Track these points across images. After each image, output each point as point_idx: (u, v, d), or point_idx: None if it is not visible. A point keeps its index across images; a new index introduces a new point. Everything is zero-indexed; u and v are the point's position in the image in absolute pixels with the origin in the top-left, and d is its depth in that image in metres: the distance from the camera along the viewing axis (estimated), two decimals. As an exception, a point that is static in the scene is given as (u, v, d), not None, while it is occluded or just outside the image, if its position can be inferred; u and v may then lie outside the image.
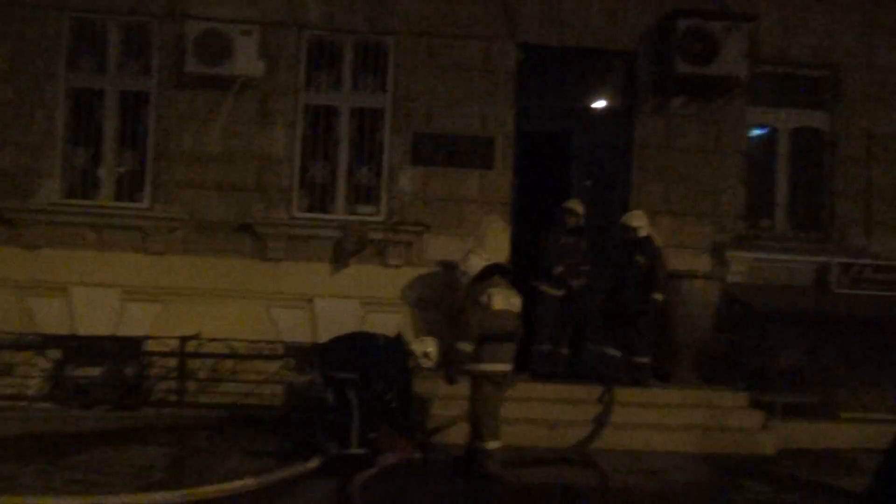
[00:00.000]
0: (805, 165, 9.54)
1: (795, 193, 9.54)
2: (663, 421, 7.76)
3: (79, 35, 8.98)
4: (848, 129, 9.37)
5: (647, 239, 8.32)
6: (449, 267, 8.53)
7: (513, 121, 9.10)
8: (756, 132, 9.63)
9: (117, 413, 8.16)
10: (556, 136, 10.87)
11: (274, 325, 8.78)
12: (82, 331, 8.67)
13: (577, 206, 8.60)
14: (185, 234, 8.85)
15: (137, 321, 8.70)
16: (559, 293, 8.34)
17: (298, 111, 9.05)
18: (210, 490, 5.73)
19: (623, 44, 9.26)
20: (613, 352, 8.23)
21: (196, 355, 8.37)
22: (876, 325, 8.43)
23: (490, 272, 6.66)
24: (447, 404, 7.33)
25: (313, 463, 6.49)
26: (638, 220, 8.37)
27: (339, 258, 8.87)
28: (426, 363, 6.97)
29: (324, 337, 7.68)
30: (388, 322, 8.27)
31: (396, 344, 7.09)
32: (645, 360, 8.20)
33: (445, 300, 8.56)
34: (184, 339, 8.36)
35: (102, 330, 8.67)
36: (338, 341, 7.03)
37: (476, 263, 6.71)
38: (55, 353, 8.58)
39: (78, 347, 8.61)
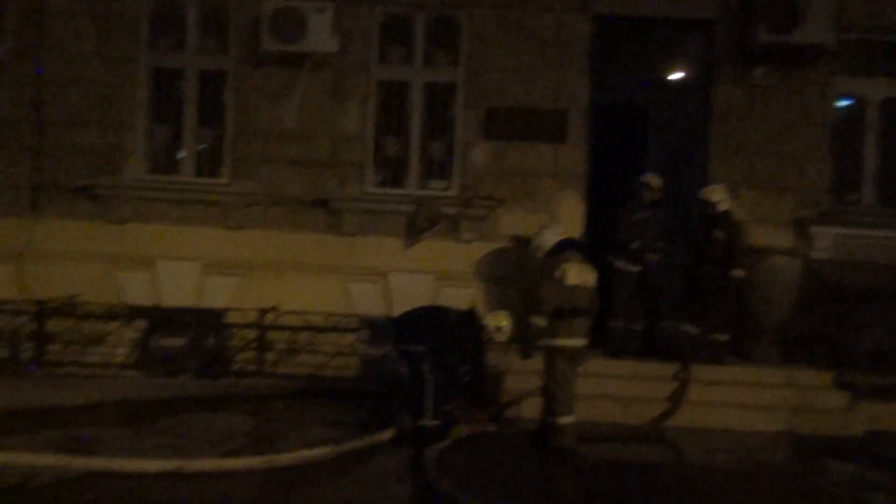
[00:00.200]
0: (896, 137, 9.12)
1: (885, 166, 9.10)
2: (742, 399, 7.58)
3: (159, 15, 9.22)
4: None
5: (727, 213, 8.10)
6: (522, 242, 8.47)
7: (587, 93, 8.95)
8: (843, 103, 9.22)
9: (200, 381, 8.46)
10: (631, 108, 10.64)
11: (349, 298, 8.92)
12: (167, 302, 8.99)
13: (654, 179, 8.42)
14: (262, 210, 9.04)
15: (218, 294, 8.96)
16: (635, 269, 8.21)
17: (371, 87, 9.11)
18: (288, 457, 5.89)
19: (701, 12, 8.96)
20: (691, 329, 8.06)
21: (274, 327, 8.59)
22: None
23: (564, 247, 6.61)
24: (520, 378, 7.33)
25: (387, 434, 6.60)
26: (717, 195, 8.15)
27: (412, 233, 8.93)
28: (499, 337, 6.97)
29: (397, 311, 7.76)
30: (461, 297, 8.29)
31: (469, 318, 7.11)
32: (723, 337, 8.02)
33: (518, 275, 8.54)
34: (262, 312, 8.58)
35: (185, 302, 8.97)
36: (411, 315, 7.08)
37: (550, 238, 6.66)
38: (142, 324, 8.95)
39: (163, 318, 8.95)
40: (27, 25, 9.06)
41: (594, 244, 7.66)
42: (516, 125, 8.95)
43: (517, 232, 8.67)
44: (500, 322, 6.96)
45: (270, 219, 9.04)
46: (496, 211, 8.91)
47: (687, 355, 7.87)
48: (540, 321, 6.36)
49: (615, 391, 7.58)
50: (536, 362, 6.60)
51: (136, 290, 8.99)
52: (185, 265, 9.00)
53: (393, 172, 9.21)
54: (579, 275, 6.50)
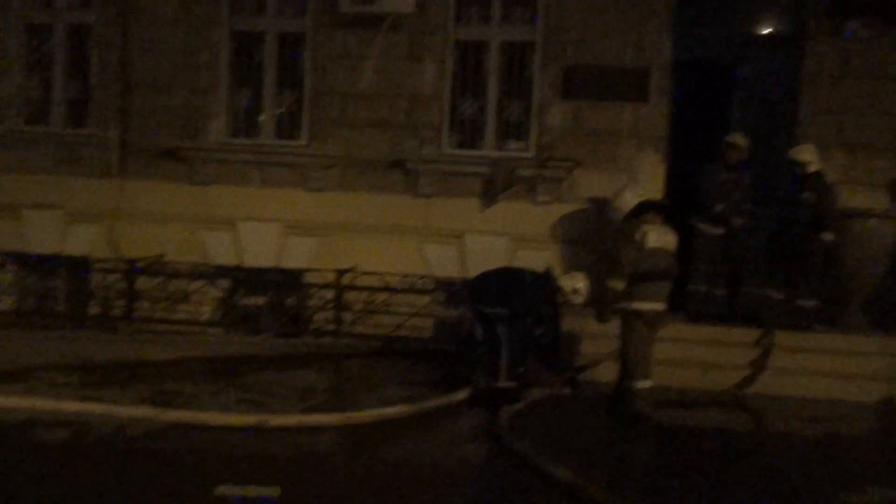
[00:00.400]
0: None
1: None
2: (829, 367, 7.31)
3: (239, -21, 9.34)
4: None
5: (817, 175, 7.76)
6: (600, 204, 8.37)
7: (669, 50, 8.65)
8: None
9: (280, 340, 8.70)
10: (716, 65, 10.23)
11: (425, 260, 8.97)
12: (248, 262, 9.22)
13: (740, 139, 8.11)
14: (340, 171, 9.13)
15: (298, 254, 9.14)
16: (719, 232, 7.97)
17: (448, 47, 9.02)
18: (366, 415, 6.00)
19: (794, -39, 8.55)
20: (776, 294, 7.80)
21: (351, 288, 8.73)
22: None
23: (644, 209, 6.47)
24: (596, 342, 7.26)
25: (462, 394, 6.63)
26: (807, 155, 7.81)
27: (489, 195, 8.88)
28: (576, 299, 6.89)
29: (473, 273, 7.75)
30: (537, 259, 8.20)
31: (545, 279, 7.03)
32: (810, 303, 7.73)
33: (596, 238, 8.42)
34: (340, 272, 8.72)
35: (266, 262, 9.19)
36: (487, 276, 7.06)
37: (630, 200, 6.53)
38: (225, 283, 9.22)
39: (245, 278, 9.20)
40: (114, -8, 9.30)
41: (675, 206, 7.46)
42: (595, 84, 8.74)
43: (595, 194, 8.54)
44: (576, 284, 6.88)
45: (348, 180, 9.12)
46: (574, 172, 8.77)
47: (771, 321, 7.64)
48: (618, 284, 6.27)
49: (694, 356, 7.42)
50: (613, 326, 6.52)
51: (220, 250, 9.25)
52: (265, 226, 9.19)
53: (469, 133, 9.15)
54: (660, 237, 6.37)
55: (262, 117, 9.45)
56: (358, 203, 9.07)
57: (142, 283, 8.98)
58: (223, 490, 4.56)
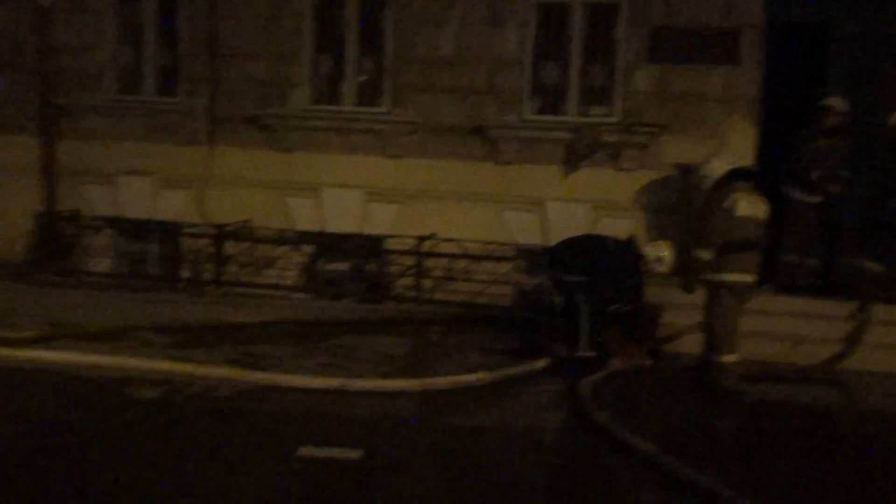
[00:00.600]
0: None
1: None
2: (930, 343, 6.96)
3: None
4: None
5: (921, 141, 7.33)
6: (687, 170, 8.11)
7: (761, 10, 8.27)
8: None
9: (362, 305, 8.82)
10: (812, 24, 9.70)
11: (505, 227, 8.91)
12: (331, 228, 9.36)
13: (838, 103, 7.71)
14: (420, 138, 9.12)
15: (379, 221, 9.22)
16: (814, 200, 7.63)
17: (529, 10, 8.85)
18: (445, 381, 6.04)
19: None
20: (874, 265, 7.43)
21: (431, 254, 8.76)
22: None
23: (734, 176, 6.24)
24: (680, 313, 7.08)
25: (542, 363, 6.60)
26: (910, 119, 7.38)
27: (571, 161, 8.73)
28: (659, 268, 6.73)
29: (554, 240, 7.66)
30: (620, 227, 8.05)
31: (628, 248, 6.89)
32: (910, 275, 7.35)
33: (682, 206, 8.19)
34: (420, 239, 8.76)
35: (348, 228, 9.30)
36: (567, 244, 6.97)
37: (718, 167, 6.30)
38: (308, 249, 9.39)
39: (328, 244, 9.34)
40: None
41: (766, 174, 7.16)
42: (683, 46, 8.44)
43: (682, 160, 8.29)
44: (660, 252, 6.71)
45: (429, 147, 9.11)
46: (659, 138, 8.52)
47: (867, 294, 7.29)
48: (705, 254, 6.09)
49: (784, 329, 7.16)
50: (698, 296, 6.34)
51: (303, 215, 9.41)
52: (347, 192, 9.29)
53: (552, 99, 8.98)
54: (750, 206, 6.15)
55: (344, 84, 9.50)
56: (438, 169, 9.06)
57: (229, 247, 9.23)
58: (306, 451, 4.67)
